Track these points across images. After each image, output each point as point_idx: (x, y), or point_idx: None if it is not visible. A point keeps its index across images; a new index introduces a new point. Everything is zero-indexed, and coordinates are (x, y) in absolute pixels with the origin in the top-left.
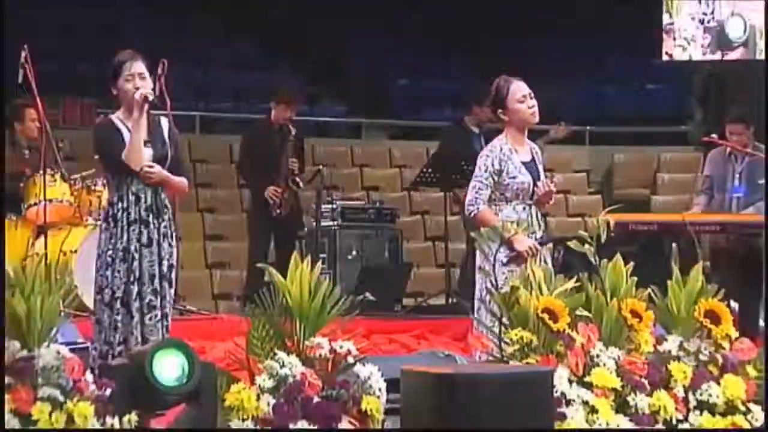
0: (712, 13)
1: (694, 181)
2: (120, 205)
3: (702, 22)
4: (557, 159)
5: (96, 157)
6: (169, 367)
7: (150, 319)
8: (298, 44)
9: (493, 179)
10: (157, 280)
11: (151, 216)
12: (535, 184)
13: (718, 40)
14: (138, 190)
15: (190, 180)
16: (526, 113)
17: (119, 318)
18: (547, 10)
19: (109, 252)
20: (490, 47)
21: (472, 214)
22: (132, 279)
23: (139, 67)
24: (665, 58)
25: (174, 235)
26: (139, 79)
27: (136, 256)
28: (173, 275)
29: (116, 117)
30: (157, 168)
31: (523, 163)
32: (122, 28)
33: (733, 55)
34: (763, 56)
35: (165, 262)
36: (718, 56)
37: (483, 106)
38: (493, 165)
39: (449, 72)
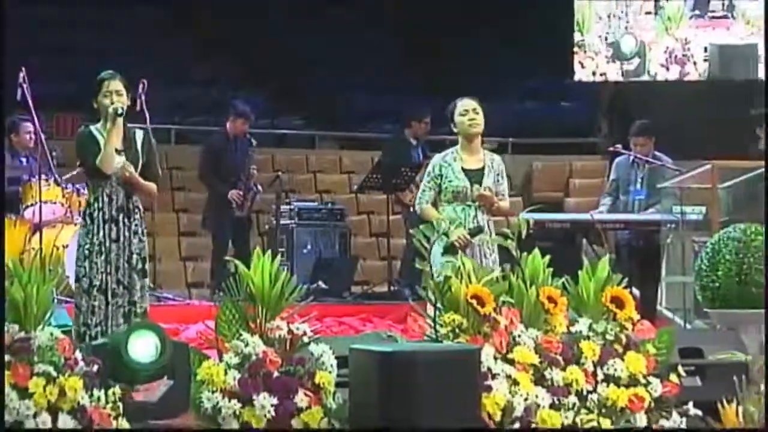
0: (611, 31)
1: (601, 186)
2: (96, 205)
3: (605, 39)
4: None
5: (78, 162)
6: (143, 347)
7: (113, 305)
8: (261, 66)
9: (435, 182)
10: (122, 272)
11: (121, 215)
12: (472, 188)
13: (615, 54)
14: (111, 192)
15: (162, 186)
16: (465, 125)
17: (96, 303)
18: (478, 36)
19: (87, 245)
20: (429, 69)
21: (418, 210)
22: (107, 270)
23: (116, 85)
24: (577, 71)
25: (144, 231)
26: (115, 95)
27: (108, 249)
28: (146, 267)
29: (95, 128)
30: (131, 170)
31: (465, 170)
32: (109, 50)
33: (627, 67)
34: (653, 68)
35: (135, 256)
36: (617, 70)
37: (420, 121)
38: (434, 171)
39: (392, 90)
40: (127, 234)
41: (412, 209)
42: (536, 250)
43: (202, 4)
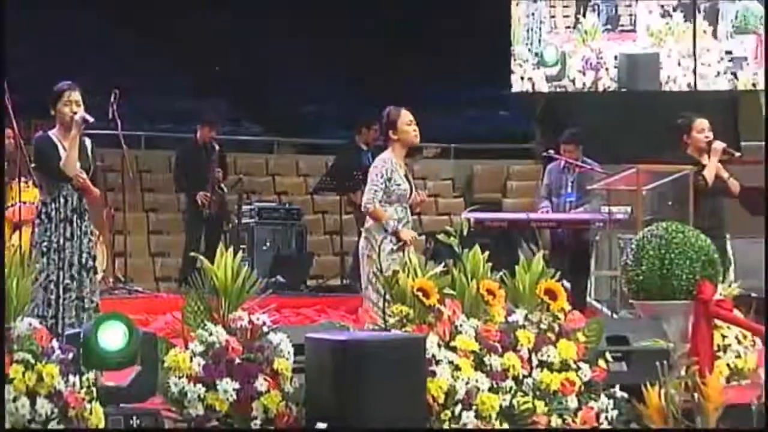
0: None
1: (536, 188)
2: (53, 205)
3: (530, 50)
4: (429, 170)
5: (32, 165)
6: (111, 336)
7: (65, 299)
8: (225, 78)
9: (385, 185)
10: (75, 268)
11: (75, 216)
12: (412, 192)
13: (539, 62)
14: (66, 194)
15: (132, 188)
16: (411, 135)
17: (53, 297)
18: (424, 49)
19: (45, 243)
20: (379, 80)
21: (368, 210)
22: (61, 266)
23: (77, 95)
24: (514, 83)
25: (92, 232)
26: (75, 105)
27: (62, 247)
28: (96, 264)
29: (53, 134)
30: (84, 175)
31: (405, 175)
32: (83, 62)
33: (550, 72)
34: (571, 73)
35: (85, 255)
36: (542, 75)
37: (370, 129)
38: (385, 174)
39: (344, 100)
40: (78, 233)
41: (363, 209)
42: (476, 247)
43: (171, 21)
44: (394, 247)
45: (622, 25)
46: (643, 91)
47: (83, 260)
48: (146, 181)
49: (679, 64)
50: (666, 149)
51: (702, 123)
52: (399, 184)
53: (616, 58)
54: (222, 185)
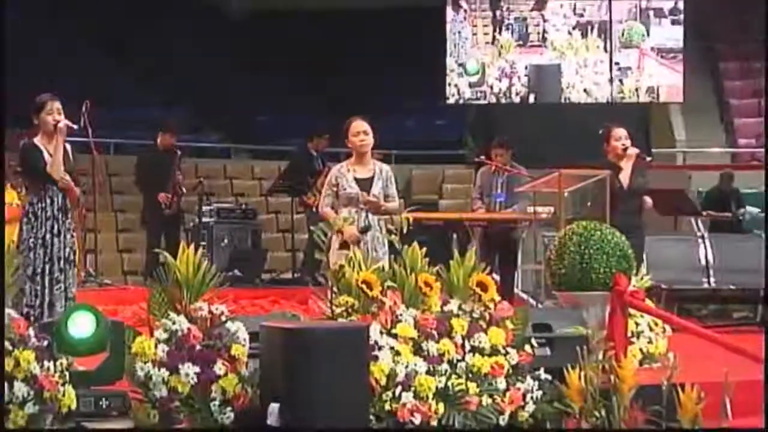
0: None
1: (469, 190)
2: (39, 204)
3: (456, 61)
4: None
5: (19, 168)
6: (81, 325)
7: (56, 290)
8: (187, 89)
9: (333, 190)
10: (62, 262)
11: (60, 214)
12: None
13: (463, 71)
14: (52, 194)
15: (102, 190)
16: (356, 144)
17: (38, 288)
18: (370, 64)
19: (31, 239)
20: (328, 92)
21: (320, 212)
22: (47, 260)
23: (58, 105)
24: (448, 94)
25: (73, 228)
26: (57, 113)
27: (50, 243)
28: (75, 258)
29: (37, 140)
30: (68, 177)
31: (357, 179)
32: (56, 75)
33: (472, 80)
34: (489, 80)
35: (68, 249)
36: (465, 83)
37: (320, 137)
38: (332, 180)
39: (297, 110)
40: (63, 230)
41: (313, 209)
42: (415, 244)
43: (138, 39)
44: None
45: (532, 41)
46: (567, 102)
47: (67, 254)
48: (115, 184)
49: (576, 72)
50: (586, 155)
51: (619, 132)
52: (345, 189)
53: (526, 68)
54: (182, 187)
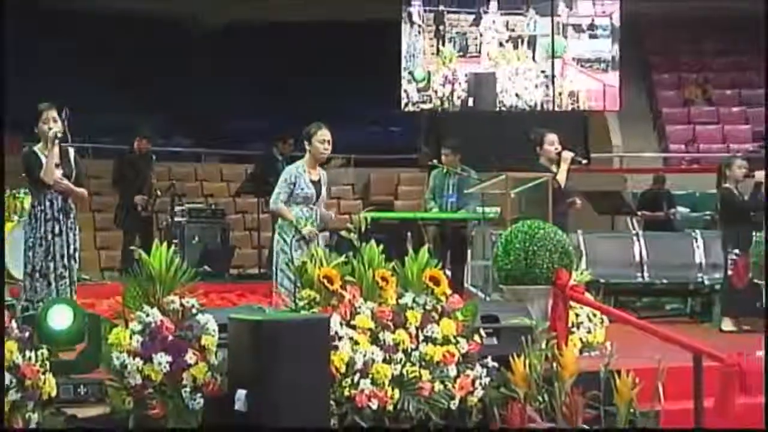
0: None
1: (421, 192)
2: (39, 207)
3: (407, 70)
4: (334, 177)
5: (23, 174)
6: (59, 317)
7: (61, 285)
8: (160, 97)
9: (289, 188)
10: (65, 259)
11: (61, 215)
12: (318, 196)
13: (411, 78)
14: (52, 197)
15: (88, 190)
16: (320, 150)
17: (38, 284)
18: (332, 73)
19: (31, 239)
20: (292, 99)
21: (270, 209)
22: (49, 258)
23: (53, 113)
24: (403, 105)
25: (77, 228)
26: (52, 121)
27: (51, 242)
28: (77, 255)
29: (37, 148)
30: (65, 181)
31: (312, 181)
32: (41, 84)
33: (419, 86)
34: (434, 86)
35: (71, 247)
36: (413, 88)
37: (285, 141)
38: (290, 178)
39: (263, 116)
40: (65, 230)
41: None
42: (372, 241)
43: (114, 51)
44: (301, 241)
45: (470, 52)
46: (512, 110)
47: (71, 251)
48: (93, 186)
49: (509, 79)
50: (527, 159)
51: (551, 137)
52: (303, 189)
53: (466, 75)
54: (157, 189)
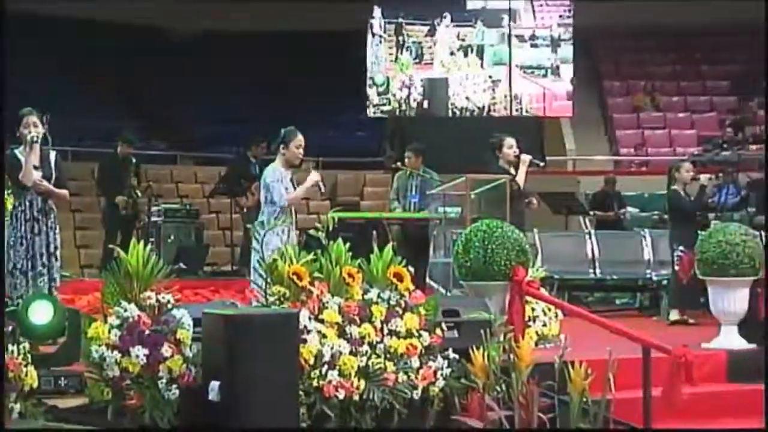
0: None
1: (386, 193)
2: (20, 208)
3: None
4: (302, 178)
5: (6, 176)
6: (40, 312)
7: (40, 282)
8: (137, 103)
9: (283, 185)
10: (45, 257)
11: (41, 215)
12: None
13: (372, 84)
14: (32, 199)
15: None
16: (296, 155)
17: (17, 282)
18: (304, 81)
19: (12, 238)
20: (266, 105)
21: (287, 203)
22: (28, 256)
23: (33, 118)
24: (369, 112)
25: (58, 227)
26: (32, 126)
27: (31, 241)
28: (58, 253)
29: (18, 150)
30: (45, 182)
31: (290, 180)
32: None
33: (380, 90)
34: (393, 90)
35: (52, 245)
36: (374, 92)
37: (258, 145)
38: (278, 179)
39: (236, 121)
40: (45, 229)
41: (245, 210)
42: (340, 240)
43: (94, 58)
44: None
45: (425, 60)
46: (472, 115)
47: (51, 249)
48: (72, 187)
49: (460, 84)
50: (486, 162)
51: (510, 141)
52: (287, 188)
53: (421, 80)
54: (137, 191)
